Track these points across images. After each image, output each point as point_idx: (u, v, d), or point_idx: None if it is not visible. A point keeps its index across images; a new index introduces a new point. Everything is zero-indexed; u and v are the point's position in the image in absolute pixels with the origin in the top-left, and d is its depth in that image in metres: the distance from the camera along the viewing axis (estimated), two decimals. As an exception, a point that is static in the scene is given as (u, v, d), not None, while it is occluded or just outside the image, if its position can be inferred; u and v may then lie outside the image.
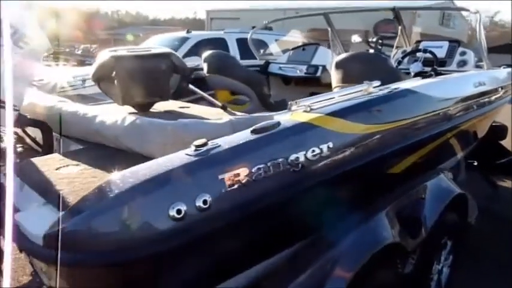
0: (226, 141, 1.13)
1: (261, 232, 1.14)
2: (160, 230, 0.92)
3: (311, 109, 1.40)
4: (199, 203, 0.97)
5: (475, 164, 3.42)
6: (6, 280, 0.75)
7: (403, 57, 3.09)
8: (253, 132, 1.18)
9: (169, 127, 1.29)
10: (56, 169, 1.32)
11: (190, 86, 2.11)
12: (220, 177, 1.01)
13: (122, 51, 1.97)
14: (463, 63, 3.02)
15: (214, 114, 2.02)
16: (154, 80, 1.90)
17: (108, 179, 0.98)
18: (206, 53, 3.40)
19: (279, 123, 1.24)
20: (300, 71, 3.84)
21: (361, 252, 1.54)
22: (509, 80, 3.03)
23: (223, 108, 2.14)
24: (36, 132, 2.04)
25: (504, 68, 3.15)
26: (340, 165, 1.39)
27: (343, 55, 2.59)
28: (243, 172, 1.05)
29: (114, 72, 1.88)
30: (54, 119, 1.75)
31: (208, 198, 0.98)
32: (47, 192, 1.15)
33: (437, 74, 2.65)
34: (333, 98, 1.58)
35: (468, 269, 2.42)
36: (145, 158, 1.13)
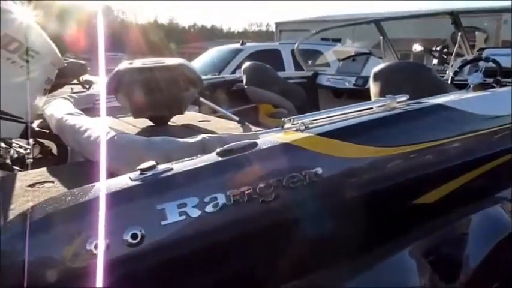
0: (182, 165, 0.97)
1: (216, 276, 0.96)
2: (74, 268, 0.79)
3: (306, 127, 1.20)
4: (127, 236, 0.83)
5: None
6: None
7: (461, 67, 2.71)
8: (219, 154, 1.01)
9: (136, 145, 1.17)
10: (29, 185, 1.27)
11: (201, 99, 2.01)
12: (159, 207, 0.87)
13: (137, 63, 1.95)
14: None
15: (227, 129, 1.90)
16: (163, 92, 1.84)
17: (34, 204, 0.89)
18: (245, 65, 3.31)
19: (255, 144, 1.06)
20: (349, 82, 3.60)
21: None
22: None
23: (241, 122, 2.02)
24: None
25: None
26: (338, 194, 1.17)
27: (381, 65, 2.32)
28: (191, 202, 0.89)
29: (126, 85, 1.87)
30: (62, 131, 1.75)
31: (139, 231, 0.84)
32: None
33: (502, 86, 2.27)
34: (343, 114, 1.37)
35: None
36: None
